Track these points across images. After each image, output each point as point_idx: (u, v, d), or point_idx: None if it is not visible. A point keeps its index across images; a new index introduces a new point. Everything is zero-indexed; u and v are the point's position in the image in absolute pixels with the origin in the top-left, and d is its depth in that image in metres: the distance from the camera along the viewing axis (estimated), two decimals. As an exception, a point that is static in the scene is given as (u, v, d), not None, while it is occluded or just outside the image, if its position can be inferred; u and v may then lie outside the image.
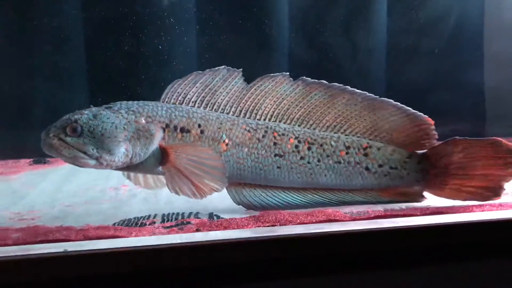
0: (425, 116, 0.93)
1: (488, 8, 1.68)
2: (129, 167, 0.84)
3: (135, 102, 0.86)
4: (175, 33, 1.54)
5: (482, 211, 0.87)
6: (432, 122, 0.93)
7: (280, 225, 0.82)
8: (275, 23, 1.61)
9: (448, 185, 0.92)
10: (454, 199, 0.93)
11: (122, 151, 0.80)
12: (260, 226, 0.81)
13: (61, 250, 0.71)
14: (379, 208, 0.90)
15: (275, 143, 0.90)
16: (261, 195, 0.94)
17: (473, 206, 0.89)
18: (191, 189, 0.82)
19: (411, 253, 0.82)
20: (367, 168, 0.93)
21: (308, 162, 0.92)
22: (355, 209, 0.90)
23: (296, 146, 0.91)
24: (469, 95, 1.71)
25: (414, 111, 0.93)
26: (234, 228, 0.80)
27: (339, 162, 0.92)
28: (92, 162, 0.79)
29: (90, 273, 0.71)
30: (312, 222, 0.83)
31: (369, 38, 1.66)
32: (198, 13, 1.56)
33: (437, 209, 0.88)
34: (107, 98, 1.50)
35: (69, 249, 0.71)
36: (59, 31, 1.48)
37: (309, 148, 0.92)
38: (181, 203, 0.97)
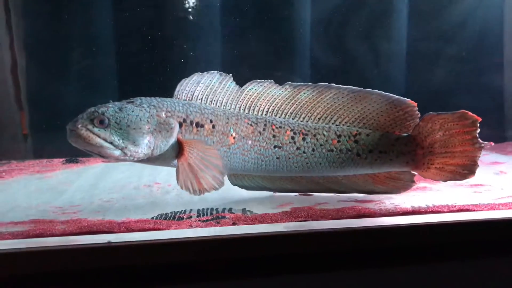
0: (408, 99, 0.97)
1: (508, 14, 1.69)
2: (149, 159, 0.88)
3: (153, 98, 0.91)
4: (202, 39, 1.58)
5: (509, 208, 0.89)
6: (415, 103, 0.97)
7: (312, 220, 0.85)
8: (297, 30, 1.64)
9: (434, 165, 0.96)
10: (437, 179, 0.96)
11: (145, 143, 0.85)
12: (293, 221, 0.85)
13: (105, 241, 0.75)
14: (407, 205, 0.93)
15: (274, 136, 0.96)
16: (257, 182, 1.02)
17: (499, 204, 0.91)
18: (194, 185, 0.87)
19: (439, 249, 0.85)
20: (358, 154, 0.98)
21: (304, 152, 0.97)
22: (384, 206, 0.93)
23: (292, 138, 0.97)
24: (488, 99, 1.72)
25: (398, 96, 0.98)
26: (268, 222, 0.84)
27: (332, 150, 0.97)
28: (117, 152, 0.83)
29: (133, 264, 0.75)
30: (343, 218, 0.86)
31: (390, 43, 1.68)
32: (223, 19, 1.60)
33: (463, 206, 0.91)
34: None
35: (113, 241, 0.75)
36: (92, 36, 1.53)
37: (303, 139, 0.97)
38: (213, 199, 1.01)
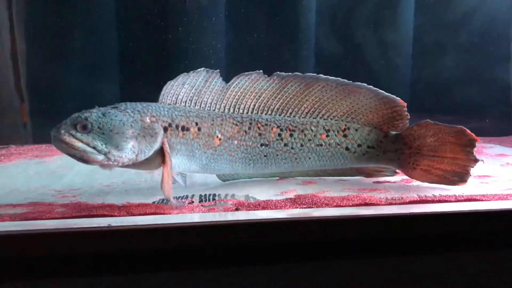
0: (398, 98, 0.97)
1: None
2: (134, 164, 0.86)
3: (138, 103, 0.89)
4: (205, 29, 1.56)
5: (517, 199, 0.88)
6: (405, 103, 0.97)
7: (316, 207, 0.83)
8: (302, 19, 1.62)
9: (420, 166, 0.96)
10: (423, 181, 0.97)
11: (129, 147, 0.82)
12: (297, 208, 0.83)
13: (106, 224, 0.74)
14: (413, 194, 0.91)
15: (260, 134, 0.95)
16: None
17: (507, 194, 0.90)
18: (171, 194, 0.83)
19: (444, 239, 0.83)
20: (347, 148, 0.98)
21: (292, 148, 0.97)
22: (389, 195, 0.91)
23: (279, 134, 0.96)
24: (495, 92, 1.70)
25: (387, 93, 0.97)
26: (272, 209, 0.82)
27: (321, 145, 0.98)
28: (101, 157, 0.81)
29: (133, 248, 0.73)
30: (348, 206, 0.84)
31: (396, 33, 1.66)
32: (228, 10, 1.58)
33: (471, 196, 0.89)
34: (136, 89, 1.55)
35: (113, 224, 0.74)
36: (94, 23, 1.51)
37: (291, 135, 0.97)
38: (215, 184, 1.01)
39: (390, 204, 0.85)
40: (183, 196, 0.90)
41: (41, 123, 1.54)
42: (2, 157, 1.25)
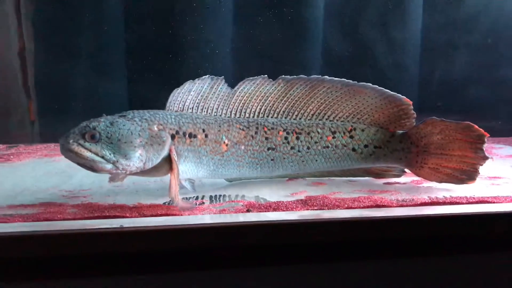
0: (403, 96, 0.97)
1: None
2: (141, 172, 0.86)
3: (146, 111, 0.89)
4: (212, 25, 1.55)
5: (529, 201, 0.87)
6: (410, 102, 0.97)
7: (328, 209, 0.83)
8: (310, 16, 1.62)
9: (428, 164, 0.96)
10: (431, 180, 0.97)
11: (137, 156, 0.82)
12: (308, 209, 0.83)
13: (118, 226, 0.74)
14: (424, 195, 0.91)
15: (266, 138, 0.95)
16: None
17: (519, 196, 0.90)
18: (179, 200, 0.83)
19: (456, 241, 0.83)
20: (353, 149, 0.98)
21: (299, 151, 0.97)
22: (400, 196, 0.90)
23: (286, 138, 0.96)
24: (503, 92, 1.69)
25: (393, 92, 0.97)
26: (283, 210, 0.82)
27: (327, 147, 0.98)
28: (109, 166, 0.81)
29: (145, 249, 0.73)
30: (360, 207, 0.84)
31: (404, 32, 1.65)
32: (235, 4, 1.57)
33: (482, 198, 0.88)
34: (144, 88, 1.54)
35: (125, 225, 0.74)
36: (101, 20, 1.51)
37: (297, 138, 0.97)
38: (225, 185, 1.00)
39: (402, 205, 0.85)
40: (193, 197, 0.90)
41: (49, 121, 1.54)
42: (12, 157, 1.26)
